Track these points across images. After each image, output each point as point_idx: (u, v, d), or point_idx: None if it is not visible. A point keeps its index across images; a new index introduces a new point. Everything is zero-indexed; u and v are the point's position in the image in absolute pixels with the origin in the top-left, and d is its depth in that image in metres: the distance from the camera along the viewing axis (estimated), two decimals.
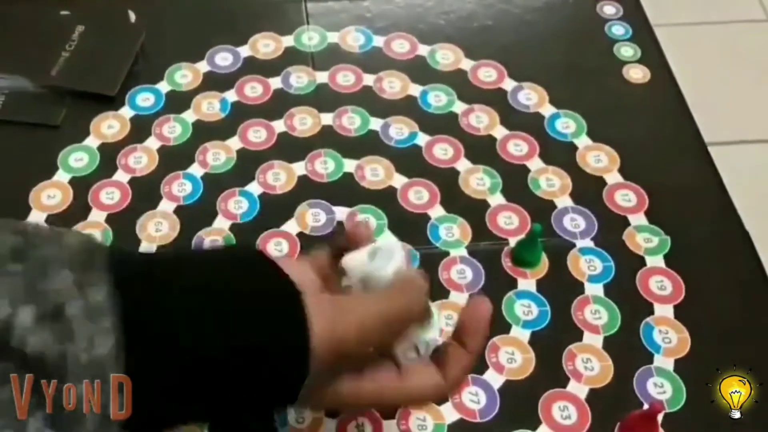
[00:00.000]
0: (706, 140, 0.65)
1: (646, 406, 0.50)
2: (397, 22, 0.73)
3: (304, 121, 0.65)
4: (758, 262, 0.58)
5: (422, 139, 0.64)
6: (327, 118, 0.66)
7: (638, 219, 0.60)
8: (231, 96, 0.67)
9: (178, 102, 0.66)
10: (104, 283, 0.32)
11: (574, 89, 0.68)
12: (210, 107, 0.66)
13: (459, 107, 0.67)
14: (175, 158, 0.63)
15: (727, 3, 1.70)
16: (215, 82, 0.68)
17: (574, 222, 0.59)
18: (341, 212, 0.59)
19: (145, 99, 0.67)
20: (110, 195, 0.60)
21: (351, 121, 0.65)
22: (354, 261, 0.42)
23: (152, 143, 0.63)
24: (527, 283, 0.56)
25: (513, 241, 0.58)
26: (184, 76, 0.68)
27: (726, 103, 1.46)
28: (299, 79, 0.68)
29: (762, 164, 1.39)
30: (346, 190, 0.61)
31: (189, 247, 0.57)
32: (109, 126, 0.65)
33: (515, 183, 0.62)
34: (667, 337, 0.53)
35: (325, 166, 0.62)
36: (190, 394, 0.34)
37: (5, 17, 0.70)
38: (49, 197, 0.60)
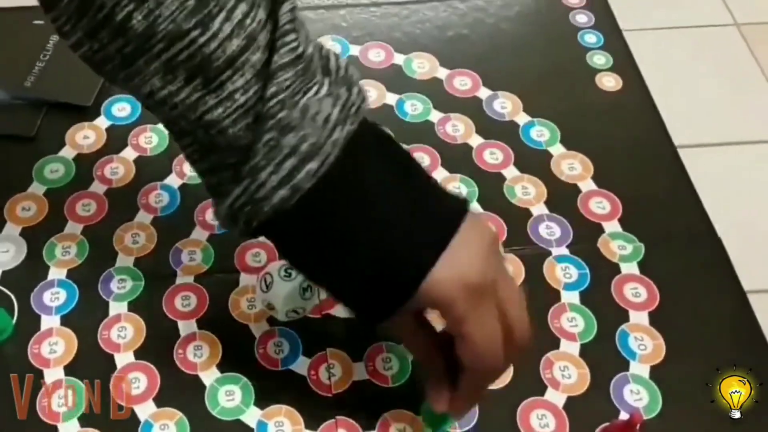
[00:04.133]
0: (677, 143, 0.66)
1: (623, 414, 0.51)
2: (373, 31, 0.74)
3: None
4: (731, 267, 0.59)
5: None
6: None
7: (612, 226, 0.61)
8: None
9: None
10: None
11: (547, 97, 0.69)
12: None
13: (435, 116, 0.67)
14: (152, 169, 0.62)
15: (696, 8, 1.73)
16: None
17: (549, 230, 0.60)
18: None
19: (121, 109, 0.66)
20: (86, 207, 0.60)
21: None
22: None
23: (129, 154, 0.63)
24: None
25: None
26: None
27: (696, 106, 1.48)
28: None
29: (731, 167, 1.41)
30: None
31: (167, 259, 0.57)
32: (85, 136, 0.64)
33: (491, 191, 0.62)
34: (643, 344, 0.54)
35: None
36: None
37: None
38: (24, 210, 0.59)
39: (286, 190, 0.41)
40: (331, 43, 0.72)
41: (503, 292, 0.43)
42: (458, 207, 0.43)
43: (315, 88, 0.41)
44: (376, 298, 0.43)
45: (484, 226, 0.44)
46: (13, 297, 0.55)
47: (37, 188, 0.61)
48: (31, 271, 0.56)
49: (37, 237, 0.58)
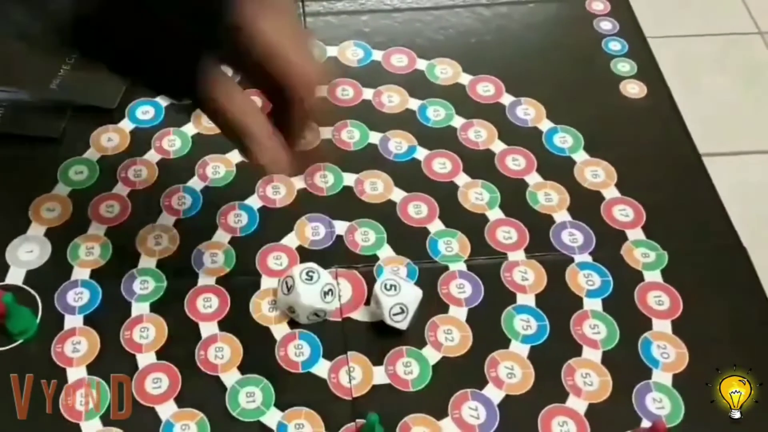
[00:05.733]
0: (702, 152, 0.66)
1: (645, 422, 0.50)
2: (396, 36, 0.74)
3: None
4: (755, 277, 0.58)
5: (421, 153, 0.65)
6: (326, 132, 0.66)
7: (636, 234, 0.60)
8: None
9: (178, 115, 0.66)
10: None
11: (571, 104, 0.69)
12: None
13: (458, 121, 0.67)
14: (174, 171, 0.63)
15: (719, 16, 1.72)
16: None
17: (572, 237, 0.60)
18: (341, 226, 0.60)
19: (144, 112, 0.67)
20: (110, 208, 0.60)
21: (350, 135, 0.66)
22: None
23: (152, 156, 0.64)
24: (526, 297, 0.56)
25: (512, 256, 0.58)
26: None
27: (721, 114, 1.47)
28: None
29: (757, 175, 1.40)
30: (345, 204, 0.61)
31: (189, 261, 0.57)
32: (109, 139, 0.65)
33: (514, 197, 0.62)
34: (666, 352, 0.54)
35: (324, 179, 0.63)
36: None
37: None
38: (48, 210, 0.60)
39: None
40: (353, 48, 0.72)
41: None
42: None
43: None
44: (191, 36, 0.44)
45: None
46: (37, 296, 0.55)
47: (61, 189, 0.61)
48: (55, 271, 0.56)
49: (61, 237, 0.58)
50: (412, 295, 0.53)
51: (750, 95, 1.54)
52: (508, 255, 0.58)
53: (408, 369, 0.52)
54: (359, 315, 0.55)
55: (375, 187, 0.62)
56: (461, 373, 0.52)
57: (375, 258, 0.58)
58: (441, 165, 0.64)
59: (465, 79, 0.70)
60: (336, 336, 0.54)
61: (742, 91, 1.55)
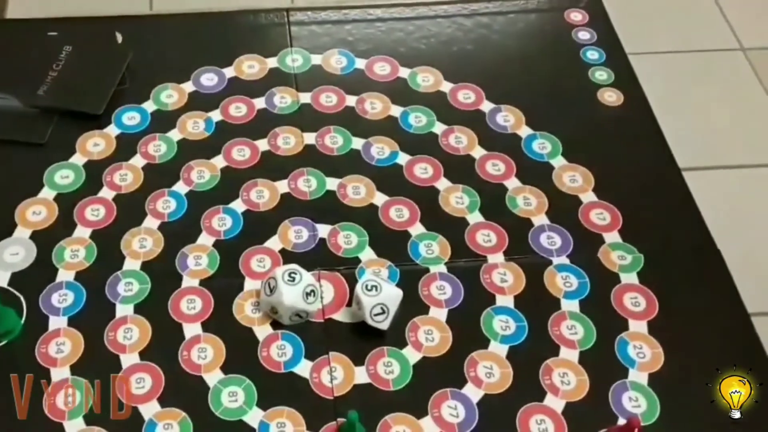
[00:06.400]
0: (682, 166, 0.67)
1: (621, 420, 0.51)
2: (379, 45, 0.75)
3: (287, 141, 0.67)
4: (729, 279, 0.59)
5: (403, 158, 0.66)
6: (310, 138, 0.67)
7: (612, 237, 0.61)
8: (216, 115, 0.68)
9: (163, 121, 0.67)
10: None
11: (550, 111, 0.70)
12: (195, 126, 0.67)
13: (439, 128, 0.68)
14: (160, 176, 0.64)
15: (701, 32, 1.74)
16: (200, 101, 0.69)
17: (550, 239, 0.61)
18: (323, 229, 0.61)
19: (130, 118, 0.68)
20: (95, 212, 0.61)
21: (333, 141, 0.67)
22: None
23: (137, 161, 0.64)
24: (505, 299, 0.57)
25: (491, 258, 0.59)
26: (170, 95, 0.69)
27: (702, 129, 1.48)
28: (283, 99, 0.70)
29: (731, 187, 1.41)
30: (328, 208, 0.62)
31: (174, 264, 0.58)
32: (95, 144, 0.65)
33: (493, 201, 0.63)
34: (642, 352, 0.55)
35: (308, 184, 0.63)
36: None
37: None
38: (34, 214, 0.60)
39: None
40: (337, 57, 0.74)
41: None
42: None
43: None
44: None
45: None
46: (21, 298, 0.56)
47: (47, 193, 0.62)
48: (40, 273, 0.57)
49: (46, 240, 0.59)
50: (392, 295, 0.54)
51: (731, 111, 1.56)
52: (487, 257, 0.60)
53: (389, 369, 0.53)
54: (341, 316, 0.56)
55: (357, 191, 0.63)
56: (441, 373, 0.53)
57: (357, 260, 0.59)
58: (422, 170, 0.65)
59: (446, 86, 0.72)
60: (318, 336, 0.55)
61: (723, 107, 1.57)
